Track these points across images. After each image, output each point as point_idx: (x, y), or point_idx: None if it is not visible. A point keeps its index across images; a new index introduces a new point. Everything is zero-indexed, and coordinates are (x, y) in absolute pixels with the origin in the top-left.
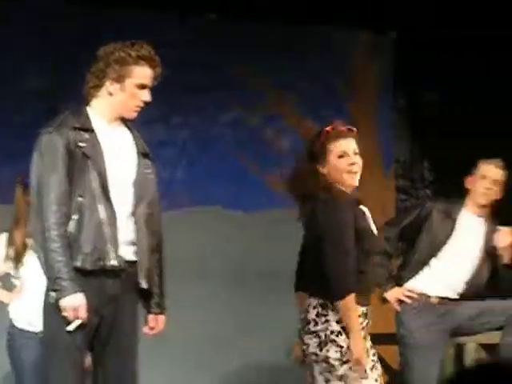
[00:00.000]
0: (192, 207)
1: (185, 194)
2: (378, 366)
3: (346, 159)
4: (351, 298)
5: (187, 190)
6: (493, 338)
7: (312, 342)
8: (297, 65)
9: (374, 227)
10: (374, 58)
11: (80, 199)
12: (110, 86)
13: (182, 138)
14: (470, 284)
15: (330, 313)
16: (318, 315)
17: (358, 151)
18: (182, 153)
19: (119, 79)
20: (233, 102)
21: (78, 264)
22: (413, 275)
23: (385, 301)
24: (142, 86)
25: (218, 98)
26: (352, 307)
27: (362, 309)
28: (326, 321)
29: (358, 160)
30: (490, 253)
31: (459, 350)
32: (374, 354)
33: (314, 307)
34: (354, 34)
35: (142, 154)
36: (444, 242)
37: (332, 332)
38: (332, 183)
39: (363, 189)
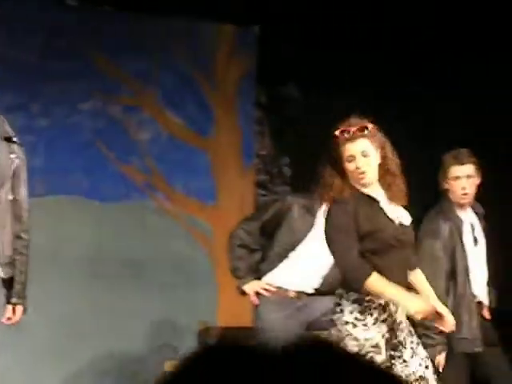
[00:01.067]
0: (50, 196)
1: (43, 183)
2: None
3: (352, 163)
4: (371, 280)
5: (46, 178)
6: None
7: (331, 331)
8: (159, 56)
9: (396, 219)
10: (237, 52)
11: None
12: None
13: (41, 125)
14: (327, 279)
15: (345, 302)
16: (335, 305)
17: (367, 153)
18: (41, 141)
19: None
20: (93, 90)
21: None
22: (272, 268)
23: (244, 293)
24: None
25: (79, 87)
26: (378, 285)
27: (379, 301)
28: (341, 310)
29: (366, 161)
30: None
31: None
32: (411, 342)
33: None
34: (217, 27)
35: (5, 138)
36: (303, 237)
37: (346, 323)
38: (350, 185)
39: (223, 182)
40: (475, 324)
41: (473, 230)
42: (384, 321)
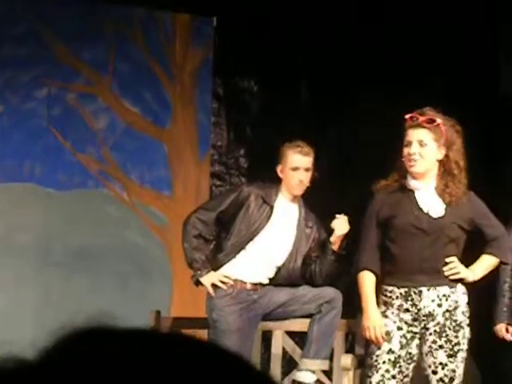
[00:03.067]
0: (3, 183)
1: None
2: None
3: (407, 149)
4: (361, 275)
5: None
6: (301, 325)
7: None
8: (116, 44)
9: (426, 210)
10: (194, 43)
11: None
12: None
13: None
14: (283, 270)
15: None
16: None
17: (424, 143)
18: None
19: None
20: (48, 77)
21: None
22: (229, 259)
23: (199, 284)
24: None
25: (34, 73)
26: (361, 283)
27: (400, 290)
28: None
29: (421, 151)
30: (315, 240)
31: (267, 335)
32: (434, 342)
33: None
34: (175, 17)
35: None
36: (261, 227)
37: None
38: (399, 173)
39: (178, 173)
40: None
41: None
42: (407, 310)
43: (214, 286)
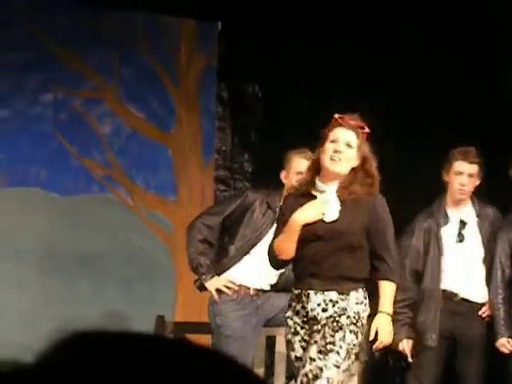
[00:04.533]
0: (10, 188)
1: (3, 175)
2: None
3: (334, 145)
4: (275, 244)
5: (5, 170)
6: None
7: None
8: (121, 50)
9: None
10: (199, 48)
11: None
12: None
13: (1, 117)
14: (284, 275)
15: None
16: None
17: (352, 145)
18: (0, 132)
19: None
20: (54, 82)
21: None
22: (233, 264)
23: (203, 289)
24: None
25: (40, 78)
26: (279, 242)
27: (295, 292)
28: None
29: (347, 152)
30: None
31: (271, 340)
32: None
33: None
34: (180, 22)
35: None
36: (265, 232)
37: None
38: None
39: (183, 178)
40: (431, 318)
41: (462, 227)
42: (298, 312)
43: (218, 291)
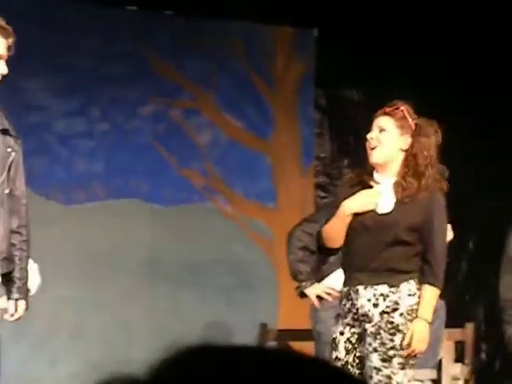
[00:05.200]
0: (110, 200)
1: (103, 187)
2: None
3: (370, 133)
4: (323, 230)
5: (106, 182)
6: None
7: None
8: (217, 59)
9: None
10: (295, 55)
11: None
12: None
13: (101, 129)
14: None
15: None
16: None
17: (384, 128)
18: (100, 145)
19: None
20: (152, 94)
21: None
22: (333, 271)
23: (304, 296)
24: None
25: (138, 91)
26: (326, 228)
27: (344, 289)
28: None
29: (380, 136)
30: None
31: None
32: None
33: None
34: (276, 30)
35: (1, 131)
36: None
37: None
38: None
39: (282, 185)
40: None
41: None
42: (348, 310)
43: (318, 297)
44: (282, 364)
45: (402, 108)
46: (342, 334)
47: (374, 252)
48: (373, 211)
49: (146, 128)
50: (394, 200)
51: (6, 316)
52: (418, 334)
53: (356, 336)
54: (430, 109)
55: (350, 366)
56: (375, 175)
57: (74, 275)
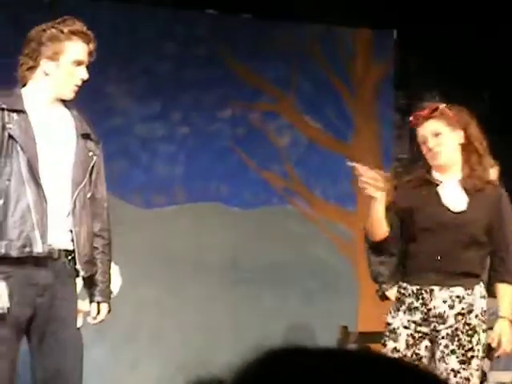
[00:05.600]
0: (191, 203)
1: (183, 190)
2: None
3: (425, 145)
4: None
5: (186, 186)
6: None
7: None
8: (297, 62)
9: (449, 205)
10: (375, 57)
11: (7, 183)
12: (44, 65)
13: (181, 133)
14: None
15: None
16: None
17: (438, 132)
18: (181, 149)
19: (54, 57)
20: (231, 98)
21: (2, 251)
22: None
23: (385, 298)
24: (78, 63)
25: (217, 94)
26: (367, 225)
27: (412, 288)
28: None
29: (437, 140)
30: None
31: None
32: (446, 346)
33: None
34: (354, 32)
35: (82, 135)
36: None
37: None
38: (421, 170)
39: (362, 188)
40: None
41: None
42: (416, 308)
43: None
44: (363, 366)
45: (440, 107)
46: (406, 328)
47: (451, 253)
48: (448, 209)
49: (226, 131)
50: (466, 197)
51: (89, 319)
52: (506, 335)
53: (420, 335)
54: (508, 107)
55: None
56: (435, 174)
57: (154, 278)
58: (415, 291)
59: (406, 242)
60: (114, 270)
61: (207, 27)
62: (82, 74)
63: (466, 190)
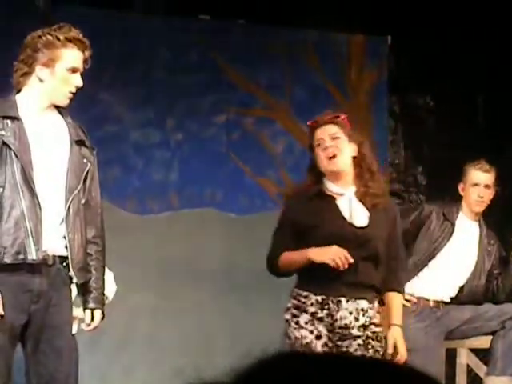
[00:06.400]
0: (185, 209)
1: (178, 196)
2: None
3: (321, 147)
4: (280, 259)
5: (181, 191)
6: (484, 342)
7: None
8: (291, 68)
9: (350, 218)
10: (369, 62)
11: (0, 190)
12: (39, 71)
13: (175, 139)
14: (466, 288)
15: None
16: None
17: (336, 136)
18: (175, 155)
19: (49, 63)
20: (226, 103)
21: None
22: (411, 278)
23: (383, 303)
24: (73, 70)
25: (212, 100)
26: (284, 260)
27: (316, 297)
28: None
29: (336, 143)
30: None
31: (451, 353)
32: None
33: None
34: (349, 38)
35: (76, 142)
36: (442, 245)
37: (286, 320)
38: (313, 179)
39: None
40: None
41: None
42: (321, 319)
43: None
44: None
45: (343, 116)
46: (318, 337)
47: (355, 265)
48: (351, 224)
49: (221, 137)
50: (365, 210)
51: (83, 326)
52: (400, 340)
53: (330, 344)
54: (505, 111)
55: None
56: (330, 186)
57: (149, 284)
58: (320, 301)
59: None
60: (109, 276)
61: (201, 33)
62: (77, 81)
63: (364, 204)
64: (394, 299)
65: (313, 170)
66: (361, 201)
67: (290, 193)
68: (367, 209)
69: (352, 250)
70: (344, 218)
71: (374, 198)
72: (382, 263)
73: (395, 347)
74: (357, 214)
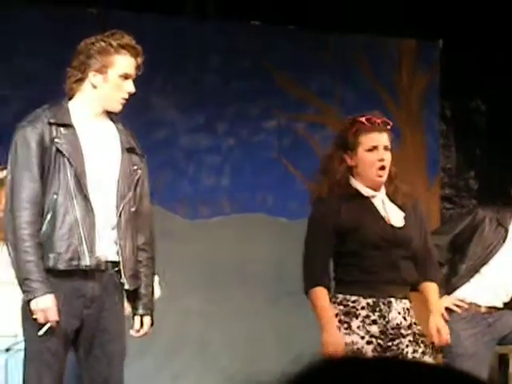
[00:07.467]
0: (236, 214)
1: (229, 201)
2: None
3: (375, 153)
4: (315, 291)
5: (231, 196)
6: None
7: None
8: (342, 72)
9: (389, 220)
10: (420, 66)
11: (54, 197)
12: (93, 77)
13: (227, 145)
14: None
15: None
16: None
17: (389, 146)
18: (226, 160)
19: (102, 70)
20: (276, 108)
21: (50, 264)
22: (463, 283)
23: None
24: (126, 77)
25: (263, 105)
26: (316, 298)
27: (367, 300)
28: None
29: (388, 156)
30: None
31: (504, 359)
32: (414, 352)
33: None
34: (399, 42)
35: (127, 149)
36: (496, 250)
37: None
38: (346, 179)
39: None
40: None
41: None
42: (374, 322)
43: (448, 310)
44: (415, 378)
45: (390, 122)
46: (369, 343)
47: (398, 264)
48: (390, 225)
49: (272, 142)
50: (399, 210)
51: (132, 332)
52: (444, 327)
53: (381, 348)
54: None
55: None
56: (360, 186)
57: (199, 289)
58: (371, 303)
59: (346, 255)
60: (154, 280)
61: (252, 39)
62: (130, 87)
63: (397, 201)
64: (431, 289)
65: (340, 167)
66: (394, 200)
67: (321, 194)
68: (401, 208)
69: (392, 250)
70: (383, 219)
71: (403, 197)
72: (419, 259)
73: (438, 333)
74: (393, 215)
